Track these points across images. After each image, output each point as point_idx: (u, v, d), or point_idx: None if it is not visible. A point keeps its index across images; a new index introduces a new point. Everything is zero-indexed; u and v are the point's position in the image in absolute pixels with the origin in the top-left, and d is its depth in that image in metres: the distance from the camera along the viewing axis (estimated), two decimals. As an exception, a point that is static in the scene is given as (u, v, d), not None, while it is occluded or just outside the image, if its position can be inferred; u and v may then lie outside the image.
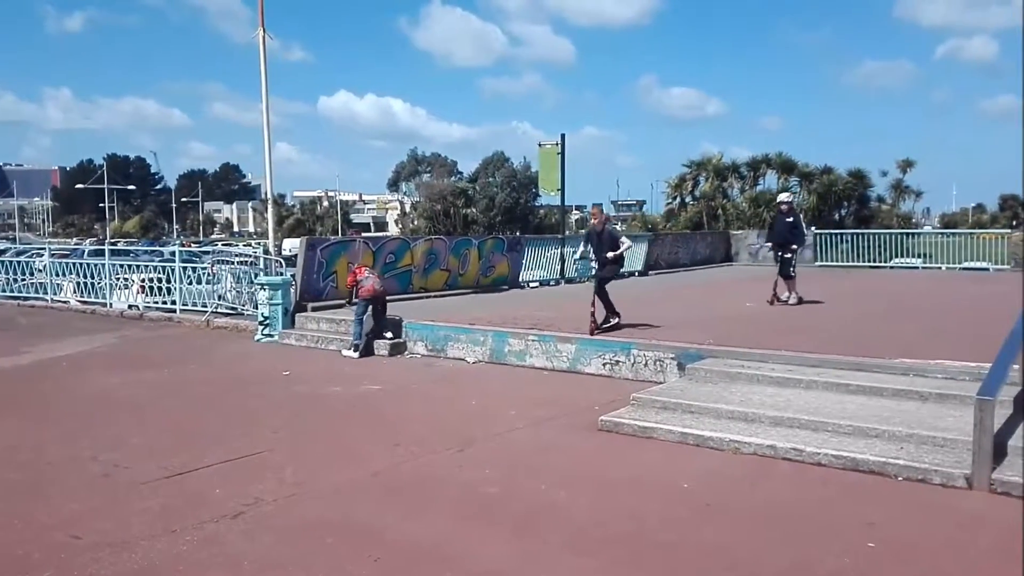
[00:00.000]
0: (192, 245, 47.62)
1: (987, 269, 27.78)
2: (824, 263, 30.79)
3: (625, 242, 14.24)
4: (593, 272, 14.46)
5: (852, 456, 7.55)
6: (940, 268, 29.19)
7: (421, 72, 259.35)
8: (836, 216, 48.65)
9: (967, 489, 6.91)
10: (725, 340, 11.76)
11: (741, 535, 6.11)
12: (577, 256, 16.32)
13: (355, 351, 14.10)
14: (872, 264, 29.99)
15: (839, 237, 32.14)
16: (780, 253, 16.85)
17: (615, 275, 14.23)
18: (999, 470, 6.94)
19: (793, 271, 16.85)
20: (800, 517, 6.45)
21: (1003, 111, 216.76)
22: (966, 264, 28.99)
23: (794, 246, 16.83)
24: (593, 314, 13.01)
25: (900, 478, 7.21)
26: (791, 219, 16.90)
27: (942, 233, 36.00)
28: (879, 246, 30.52)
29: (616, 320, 13.54)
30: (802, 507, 6.68)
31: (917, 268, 29.64)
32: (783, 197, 18.27)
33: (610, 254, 13.63)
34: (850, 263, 30.37)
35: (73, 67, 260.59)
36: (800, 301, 16.57)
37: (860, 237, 31.40)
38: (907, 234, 33.34)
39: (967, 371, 9.30)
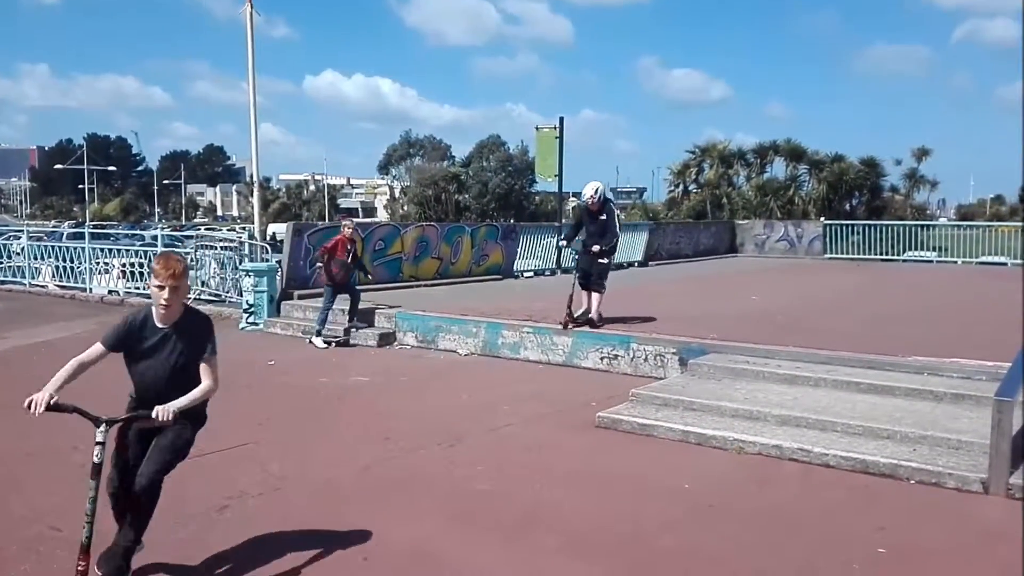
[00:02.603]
0: (180, 229, 47.55)
1: (1005, 264, 27.66)
2: (834, 255, 30.84)
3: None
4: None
5: (862, 458, 7.52)
6: (956, 262, 29.12)
7: (411, 51, 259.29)
8: (847, 206, 48.62)
9: (983, 494, 6.88)
10: (729, 335, 11.72)
11: (745, 539, 6.07)
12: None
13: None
14: (884, 257, 29.98)
15: (850, 228, 32.13)
16: (587, 260, 13.16)
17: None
18: (1017, 474, 6.90)
19: (604, 283, 13.21)
20: (807, 521, 6.42)
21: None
22: (983, 258, 28.90)
23: (604, 252, 13.03)
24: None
25: (912, 481, 7.18)
26: (604, 217, 13.00)
27: (958, 225, 35.86)
28: (892, 238, 30.50)
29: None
30: (809, 510, 6.65)
31: (931, 262, 29.61)
32: (589, 190, 13.01)
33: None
34: (861, 256, 30.39)
35: (50, 42, 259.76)
36: (601, 320, 12.95)
37: (872, 229, 31.41)
38: (921, 226, 33.26)
39: (984, 370, 9.26)
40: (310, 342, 14.33)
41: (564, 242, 13.99)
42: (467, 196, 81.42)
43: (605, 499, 6.92)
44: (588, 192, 12.95)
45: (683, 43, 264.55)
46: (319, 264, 14.92)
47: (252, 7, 21.91)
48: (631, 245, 27.68)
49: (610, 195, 14.44)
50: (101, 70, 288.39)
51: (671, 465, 7.80)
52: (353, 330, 14.52)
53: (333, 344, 14.23)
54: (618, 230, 13.27)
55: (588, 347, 12.29)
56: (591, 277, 13.01)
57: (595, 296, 12.98)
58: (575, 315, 12.70)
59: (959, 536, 6.14)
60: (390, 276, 18.46)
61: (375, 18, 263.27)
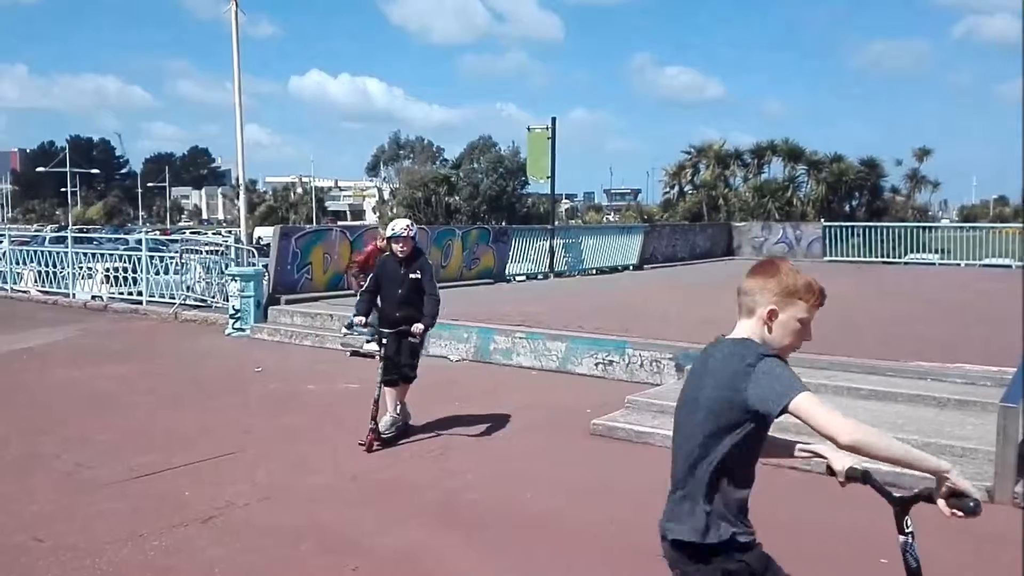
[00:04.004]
0: (168, 233, 47.45)
1: (1010, 266, 27.64)
2: (833, 258, 30.86)
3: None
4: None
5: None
6: (959, 264, 29.18)
7: (398, 50, 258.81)
8: (847, 208, 48.70)
9: (988, 503, 6.84)
10: (727, 339, 11.67)
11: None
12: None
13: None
14: (885, 260, 30.03)
15: (850, 230, 32.19)
16: (397, 344, 8.88)
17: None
18: (1023, 483, 6.89)
19: (417, 366, 9.16)
20: (806, 529, 6.41)
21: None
22: (987, 260, 28.92)
23: (420, 327, 8.72)
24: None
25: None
26: (416, 274, 8.84)
27: (961, 227, 35.99)
28: (893, 240, 30.55)
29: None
30: (808, 518, 6.64)
31: (934, 264, 29.67)
32: (399, 226, 8.91)
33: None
34: (861, 258, 30.42)
35: (27, 42, 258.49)
36: (406, 424, 9.18)
37: (872, 231, 31.47)
38: (923, 228, 33.35)
39: (988, 376, 9.27)
40: (358, 353, 13.37)
41: (359, 320, 9.14)
42: (457, 198, 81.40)
43: (599, 508, 6.90)
44: (399, 228, 8.86)
45: (676, 40, 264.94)
46: (353, 275, 14.33)
47: (237, 6, 21.84)
48: (625, 248, 27.71)
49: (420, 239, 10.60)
50: (80, 69, 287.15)
51: (667, 473, 7.75)
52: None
53: (349, 352, 13.70)
54: (437, 290, 9.05)
55: (582, 353, 12.27)
56: (401, 367, 8.95)
57: (402, 388, 9.05)
58: (382, 430, 8.71)
59: (963, 546, 6.11)
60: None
61: (360, 16, 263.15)
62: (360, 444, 8.41)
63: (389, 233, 9.08)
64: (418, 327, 8.66)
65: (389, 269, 9.01)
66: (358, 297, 10.37)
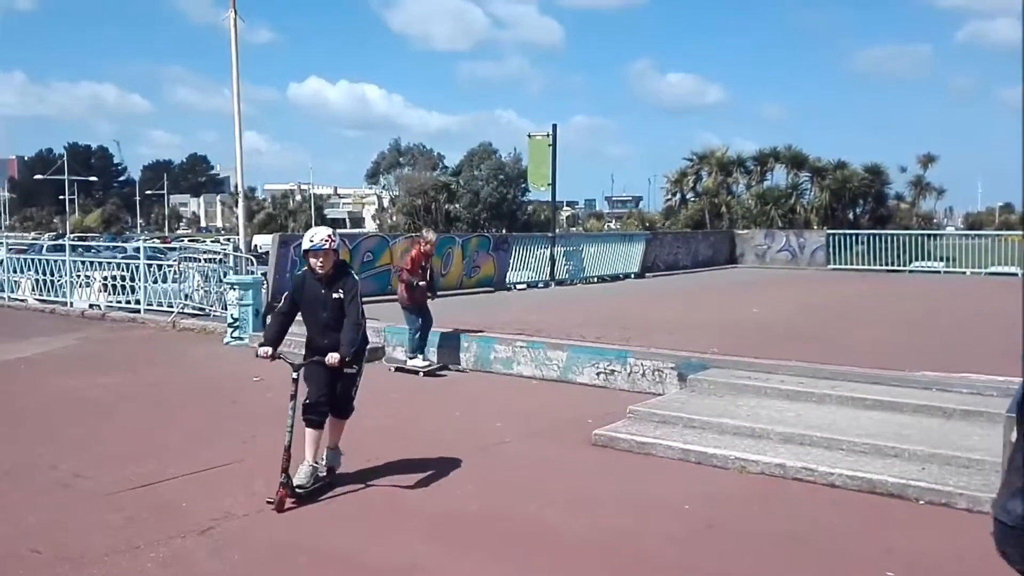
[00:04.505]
0: (168, 241, 47.52)
1: (1016, 274, 27.64)
2: (837, 266, 30.83)
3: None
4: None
5: (869, 477, 7.47)
6: (964, 273, 29.09)
7: (397, 57, 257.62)
8: (851, 215, 48.79)
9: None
10: (730, 349, 11.68)
11: (746, 562, 6.02)
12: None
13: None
14: (890, 268, 29.96)
15: (854, 238, 32.17)
16: (324, 376, 7.45)
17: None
18: (1030, 494, 6.85)
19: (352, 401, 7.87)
20: (811, 542, 6.38)
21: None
22: (993, 269, 28.86)
23: (335, 358, 7.24)
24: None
25: (921, 501, 7.13)
26: (339, 293, 7.48)
27: (966, 234, 36.04)
28: (897, 248, 30.47)
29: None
30: (814, 532, 6.60)
31: (939, 272, 29.59)
32: (319, 238, 7.48)
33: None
34: (865, 267, 30.37)
35: (25, 49, 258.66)
36: (333, 473, 7.75)
37: (877, 238, 31.39)
38: (928, 235, 33.43)
39: (995, 385, 9.21)
40: (409, 367, 12.93)
41: (264, 351, 7.48)
42: (458, 206, 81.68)
43: (600, 519, 6.86)
44: (318, 239, 7.44)
45: (677, 46, 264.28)
46: (403, 280, 13.27)
47: (236, 13, 21.82)
48: (627, 256, 27.70)
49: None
50: (78, 77, 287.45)
51: (670, 484, 7.74)
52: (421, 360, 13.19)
53: (421, 372, 12.93)
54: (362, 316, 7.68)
55: (584, 362, 12.23)
56: (335, 405, 7.65)
57: (336, 428, 7.82)
58: (297, 483, 7.22)
59: (970, 558, 6.07)
60: (379, 289, 18.35)
61: (360, 23, 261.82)
62: (268, 502, 6.93)
63: (307, 245, 7.47)
64: (332, 358, 7.16)
65: (309, 289, 7.52)
66: (268, 319, 8.74)
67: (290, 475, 7.06)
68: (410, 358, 13.20)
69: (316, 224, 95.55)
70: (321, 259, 7.39)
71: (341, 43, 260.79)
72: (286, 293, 7.86)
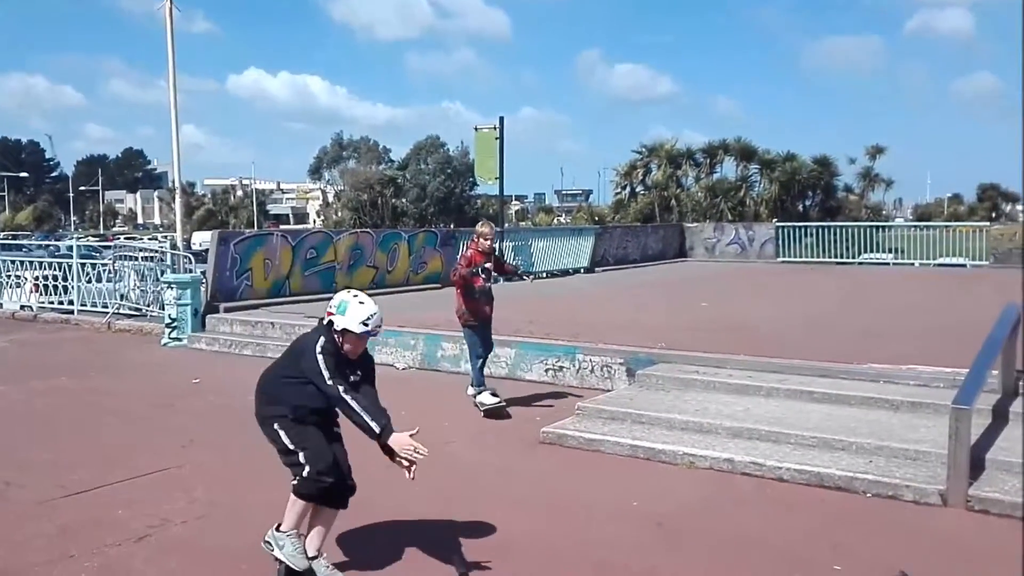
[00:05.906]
0: (112, 239, 46.83)
1: (964, 265, 28.08)
2: (786, 259, 31.08)
3: None
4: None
5: (816, 471, 7.58)
6: (913, 264, 29.48)
7: (340, 47, 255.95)
8: (800, 207, 49.28)
9: (942, 506, 6.95)
10: (678, 344, 11.76)
11: (695, 559, 6.08)
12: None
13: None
14: (839, 260, 30.24)
15: (803, 230, 32.41)
16: None
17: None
18: (976, 486, 6.99)
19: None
20: (759, 537, 6.44)
21: (980, 92, 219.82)
22: (941, 260, 29.26)
23: None
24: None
25: (868, 494, 7.24)
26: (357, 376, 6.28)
27: (915, 226, 36.48)
28: (846, 240, 30.76)
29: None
30: (761, 526, 6.67)
31: (888, 264, 29.95)
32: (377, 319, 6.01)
33: None
34: (814, 259, 30.61)
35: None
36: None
37: (826, 230, 31.70)
38: (877, 227, 33.80)
39: (941, 377, 9.36)
40: (475, 403, 10.46)
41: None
42: (404, 200, 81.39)
43: (549, 519, 6.89)
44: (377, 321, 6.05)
45: (626, 37, 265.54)
46: (460, 276, 10.79)
47: (171, 3, 21.68)
48: (576, 251, 27.77)
49: None
50: (6, 68, 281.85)
51: (619, 482, 7.79)
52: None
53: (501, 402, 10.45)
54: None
55: (532, 359, 12.26)
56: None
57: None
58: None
59: (917, 551, 6.19)
60: (322, 286, 18.28)
61: (299, 12, 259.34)
62: None
63: (359, 329, 6.00)
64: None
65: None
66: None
67: None
68: (477, 392, 10.52)
69: (258, 220, 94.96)
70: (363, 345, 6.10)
71: (281, 33, 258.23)
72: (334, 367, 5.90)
